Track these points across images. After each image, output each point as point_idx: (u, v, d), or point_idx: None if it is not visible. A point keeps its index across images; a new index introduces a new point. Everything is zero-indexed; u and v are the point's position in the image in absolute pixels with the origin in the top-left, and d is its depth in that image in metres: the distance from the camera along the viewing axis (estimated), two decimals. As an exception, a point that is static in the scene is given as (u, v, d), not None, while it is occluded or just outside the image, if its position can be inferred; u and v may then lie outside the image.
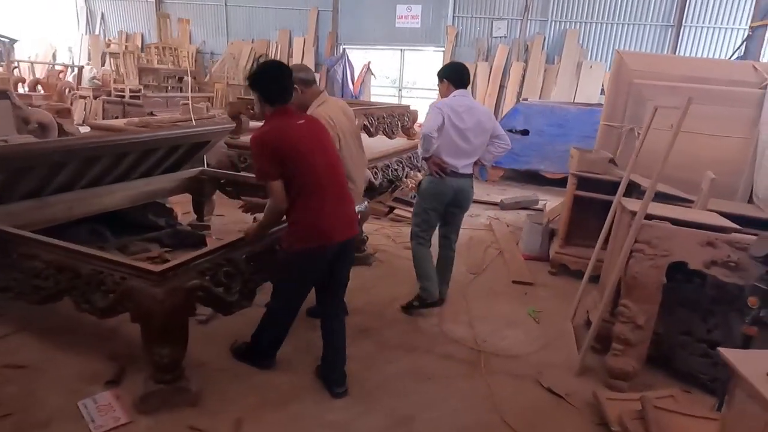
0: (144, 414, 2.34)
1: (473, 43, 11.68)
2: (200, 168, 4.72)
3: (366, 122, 5.89)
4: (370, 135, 6.03)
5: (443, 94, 3.48)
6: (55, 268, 2.57)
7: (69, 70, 12.99)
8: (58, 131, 5.02)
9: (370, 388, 2.67)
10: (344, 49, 12.78)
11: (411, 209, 5.74)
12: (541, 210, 6.25)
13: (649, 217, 2.71)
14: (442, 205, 3.45)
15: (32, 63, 13.22)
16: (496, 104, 11.26)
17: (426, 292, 3.50)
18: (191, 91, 11.64)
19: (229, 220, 5.19)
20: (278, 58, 13.01)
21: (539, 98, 10.61)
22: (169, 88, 11.27)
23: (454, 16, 11.73)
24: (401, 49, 12.56)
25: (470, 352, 3.08)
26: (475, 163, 3.49)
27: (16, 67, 11.18)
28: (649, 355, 2.77)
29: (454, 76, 3.43)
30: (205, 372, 2.67)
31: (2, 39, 16.40)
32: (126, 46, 11.14)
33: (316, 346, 2.76)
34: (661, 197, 3.33)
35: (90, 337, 2.93)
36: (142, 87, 10.59)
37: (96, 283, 2.45)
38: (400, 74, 13.04)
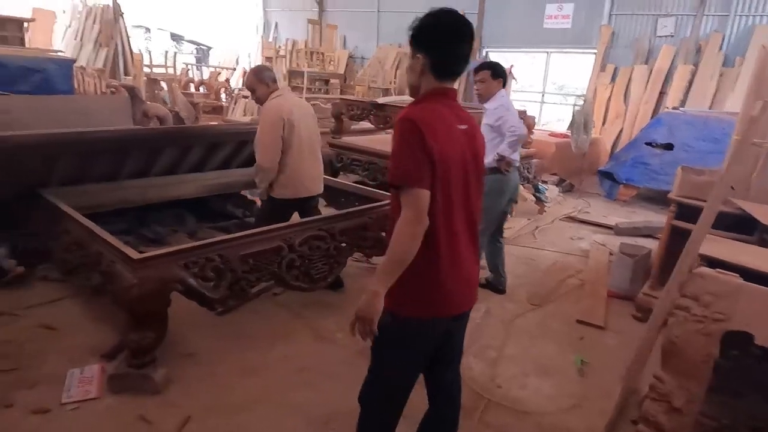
0: (112, 393, 2.44)
1: (631, 44, 10.26)
2: (277, 164, 4.89)
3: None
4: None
5: (491, 91, 3.56)
6: (77, 244, 2.84)
7: (243, 73, 14.79)
8: (176, 123, 5.65)
9: (332, 416, 2.43)
10: (487, 53, 12.29)
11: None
12: (666, 240, 5.18)
13: (710, 261, 1.99)
14: (508, 200, 3.72)
15: (218, 68, 15.29)
16: (653, 113, 9.75)
17: (501, 281, 3.82)
18: (332, 93, 12.33)
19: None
20: (420, 62, 13.07)
21: (710, 107, 8.90)
22: (314, 89, 12.06)
23: (610, 15, 10.45)
24: (547, 52, 11.62)
25: (473, 395, 2.62)
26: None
27: (188, 69, 12.96)
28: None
29: (504, 76, 3.56)
30: (186, 364, 2.71)
31: (201, 47, 19.39)
32: (278, 51, 12.18)
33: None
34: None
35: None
36: (289, 88, 11.52)
37: (96, 263, 2.64)
38: (544, 78, 12.10)
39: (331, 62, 12.85)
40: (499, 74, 3.54)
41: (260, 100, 3.43)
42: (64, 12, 13.12)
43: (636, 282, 3.81)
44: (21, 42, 5.87)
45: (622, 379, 2.76)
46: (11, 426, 2.22)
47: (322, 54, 12.47)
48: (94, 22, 11.96)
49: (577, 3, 10.79)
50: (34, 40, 9.99)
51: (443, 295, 1.65)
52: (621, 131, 9.83)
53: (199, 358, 2.78)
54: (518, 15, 11.61)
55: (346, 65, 14.57)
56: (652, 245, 4.63)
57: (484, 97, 3.58)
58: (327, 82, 12.63)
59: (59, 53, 6.07)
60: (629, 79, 9.98)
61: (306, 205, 3.62)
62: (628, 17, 10.30)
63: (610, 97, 10.02)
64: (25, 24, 5.92)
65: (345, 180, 5.10)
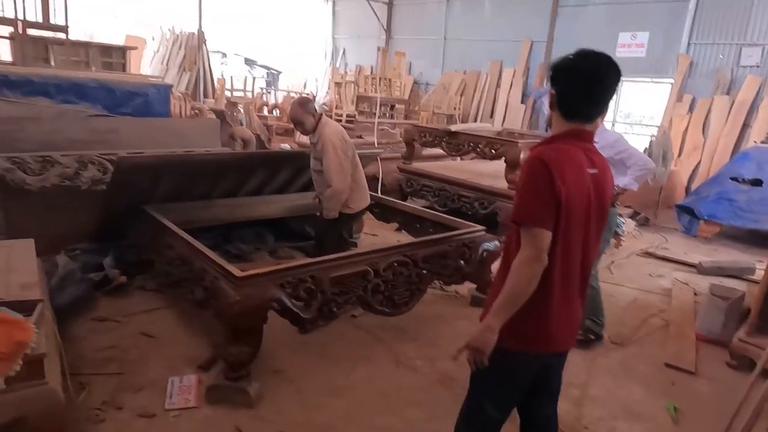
0: (209, 403, 2.57)
1: (711, 74, 9.86)
2: (354, 188, 5.03)
3: (535, 157, 5.47)
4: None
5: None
6: (181, 259, 3.04)
7: (311, 97, 15.37)
8: (257, 146, 5.95)
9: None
10: (555, 81, 12.18)
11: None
12: (755, 281, 4.88)
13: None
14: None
15: (285, 90, 15.96)
16: (734, 146, 9.29)
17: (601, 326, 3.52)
18: (396, 118, 12.55)
19: (380, 239, 5.39)
20: (486, 89, 13.13)
21: (801, 142, 8.37)
22: (380, 114, 12.32)
23: (689, 43, 10.11)
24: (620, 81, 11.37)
25: None
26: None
27: (264, 94, 13.58)
28: None
29: None
30: (275, 380, 2.81)
31: (272, 71, 20.33)
32: (343, 76, 12.57)
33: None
34: None
35: (213, 323, 3.36)
36: (356, 113, 11.84)
37: (199, 278, 2.81)
38: (615, 107, 11.80)
39: (398, 88, 13.12)
40: None
41: (308, 131, 3.59)
42: (153, 39, 14.19)
43: (729, 326, 3.61)
44: (123, 68, 6.40)
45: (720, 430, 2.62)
46: (122, 427, 2.39)
47: (389, 80, 12.77)
48: (179, 48, 12.85)
49: (653, 31, 10.53)
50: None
51: (551, 332, 1.68)
52: (698, 164, 9.40)
53: (287, 375, 2.88)
54: (589, 43, 11.20)
55: (411, 90, 14.84)
56: (741, 287, 4.38)
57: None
58: (392, 107, 12.89)
59: (156, 78, 6.57)
60: (708, 110, 9.57)
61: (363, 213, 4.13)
62: (709, 46, 9.93)
63: (686, 129, 9.64)
64: (128, 51, 6.46)
65: (413, 205, 5.16)
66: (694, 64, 10.11)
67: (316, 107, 3.66)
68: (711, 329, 3.68)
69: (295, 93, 15.67)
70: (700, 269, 5.31)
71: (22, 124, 4.13)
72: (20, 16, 5.14)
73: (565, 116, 1.64)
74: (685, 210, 6.82)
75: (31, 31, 5.41)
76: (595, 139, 3.23)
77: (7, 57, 6.61)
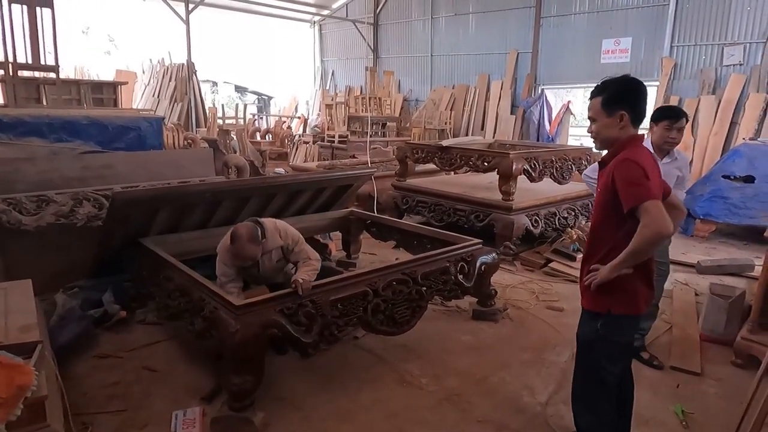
0: (214, 435, 2.55)
1: (696, 75, 10.00)
2: (350, 209, 5.05)
3: (527, 166, 5.52)
4: (532, 180, 5.62)
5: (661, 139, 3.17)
6: (180, 290, 3.04)
7: (302, 120, 15.48)
8: (251, 172, 5.98)
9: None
10: (542, 90, 12.31)
11: (571, 263, 5.16)
12: (755, 278, 4.89)
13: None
14: None
15: (277, 115, 16.09)
16: (724, 144, 9.38)
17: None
18: (388, 136, 12.64)
19: (378, 258, 5.39)
20: (475, 102, 13.27)
21: (789, 137, 8.47)
22: (371, 133, 12.40)
23: (671, 46, 10.27)
24: (593, 96, 11.50)
25: (569, 446, 2.55)
26: None
27: (256, 119, 13.69)
28: None
29: None
30: (280, 407, 2.79)
31: (263, 96, 20.50)
32: (333, 98, 12.69)
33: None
34: None
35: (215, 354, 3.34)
36: (348, 133, 11.92)
37: (199, 309, 2.81)
38: (604, 113, 11.93)
39: (388, 106, 13.24)
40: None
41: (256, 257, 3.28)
42: (143, 72, 14.33)
43: (731, 325, 3.60)
44: (114, 103, 6.48)
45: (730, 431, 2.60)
46: (128, 466, 2.36)
47: (379, 99, 12.90)
48: (170, 79, 12.97)
49: (636, 36, 10.70)
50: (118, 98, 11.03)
51: (644, 296, 2.16)
52: (690, 164, 9.46)
53: (292, 402, 2.86)
54: (573, 52, 11.62)
55: (401, 108, 14.98)
56: (742, 284, 4.39)
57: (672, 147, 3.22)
58: (384, 125, 12.99)
59: (148, 111, 6.63)
60: (696, 111, 9.68)
61: None
62: (692, 48, 10.08)
63: (676, 130, 9.72)
64: (119, 87, 6.54)
65: (409, 222, 5.18)
66: (678, 66, 10.26)
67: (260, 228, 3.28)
68: (714, 329, 3.68)
69: (287, 117, 15.80)
70: (699, 269, 5.32)
71: (17, 165, 4.15)
72: (11, 59, 5.20)
73: (633, 125, 2.12)
74: (680, 210, 6.85)
75: (23, 73, 5.47)
76: (676, 156, 3.21)
77: (-1, 99, 6.67)
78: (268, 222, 3.41)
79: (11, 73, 5.19)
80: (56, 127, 4.76)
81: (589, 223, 5.77)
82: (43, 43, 5.36)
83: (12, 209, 3.76)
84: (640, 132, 2.24)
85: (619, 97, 2.09)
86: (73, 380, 2.94)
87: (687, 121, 3.19)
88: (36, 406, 1.89)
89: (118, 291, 3.81)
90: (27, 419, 1.85)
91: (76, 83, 6.30)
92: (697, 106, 9.69)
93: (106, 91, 6.40)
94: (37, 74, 5.93)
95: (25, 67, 5.38)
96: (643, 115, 2.16)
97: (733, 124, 9.40)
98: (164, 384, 3.02)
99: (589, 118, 2.22)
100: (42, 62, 5.36)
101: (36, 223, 3.82)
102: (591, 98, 2.17)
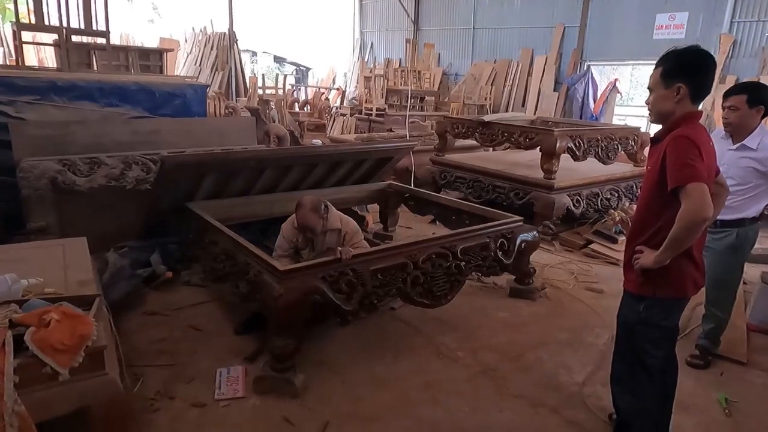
0: (256, 393, 2.65)
1: (757, 53, 9.44)
2: (388, 182, 5.05)
3: (572, 144, 5.37)
4: (575, 158, 5.47)
5: (753, 126, 2.80)
6: (225, 254, 3.13)
7: (339, 92, 15.44)
8: (291, 142, 6.03)
9: (465, 433, 2.45)
10: (588, 66, 11.86)
11: (612, 246, 5.04)
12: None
13: None
14: None
15: (309, 87, 16.10)
16: (782, 128, 8.87)
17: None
18: (426, 110, 12.49)
19: (415, 232, 5.40)
20: (517, 78, 12.92)
21: None
22: (410, 107, 12.27)
23: (732, 22, 9.69)
24: (656, 66, 10.99)
25: (604, 426, 2.54)
26: None
27: (295, 90, 13.72)
28: None
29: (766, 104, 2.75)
30: (318, 371, 2.87)
31: (301, 67, 20.50)
32: (372, 70, 12.57)
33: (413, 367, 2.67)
34: None
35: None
36: (386, 106, 11.83)
37: (244, 272, 2.89)
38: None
39: (427, 80, 13.04)
40: (760, 101, 2.72)
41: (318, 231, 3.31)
42: (186, 40, 14.50)
43: (782, 315, 3.47)
44: (161, 70, 6.59)
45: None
46: (176, 416, 2.48)
47: (418, 72, 12.71)
48: (212, 48, 13.10)
49: (693, 11, 10.13)
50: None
51: (692, 278, 2.08)
52: (744, 148, 9.02)
53: (331, 367, 2.93)
54: (624, 26, 11.11)
55: (440, 82, 14.72)
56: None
57: (736, 130, 2.85)
58: (422, 99, 12.83)
59: (192, 78, 6.73)
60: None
61: None
62: (753, 24, 9.49)
63: (731, 111, 9.26)
64: (165, 54, 6.64)
65: (447, 197, 5.13)
66: (738, 43, 9.69)
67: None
68: (764, 319, 3.55)
69: (325, 89, 15.77)
70: (749, 257, 5.11)
71: (70, 128, 4.30)
72: (64, 23, 5.34)
73: (694, 101, 2.01)
74: (730, 196, 6.56)
75: (74, 38, 5.61)
76: (752, 146, 2.81)
77: (53, 63, 6.89)
78: (334, 209, 3.45)
79: (65, 38, 5.33)
80: (107, 92, 4.88)
81: (634, 205, 5.60)
82: (95, 8, 5.47)
83: (67, 170, 3.91)
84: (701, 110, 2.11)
85: (678, 68, 1.98)
86: (124, 335, 3.08)
87: (750, 98, 2.71)
88: (95, 355, 1.99)
89: (165, 253, 3.95)
90: (88, 367, 1.95)
91: (125, 50, 6.43)
92: (756, 87, 9.16)
93: (152, 58, 6.51)
94: (87, 40, 6.08)
95: (78, 32, 5.51)
96: (704, 91, 2.02)
97: (794, 106, 8.87)
98: (209, 343, 3.13)
99: (648, 88, 2.12)
100: (93, 28, 5.48)
101: (89, 185, 3.97)
102: (654, 69, 2.07)
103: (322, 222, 3.28)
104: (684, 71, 1.97)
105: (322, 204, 3.29)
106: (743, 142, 2.83)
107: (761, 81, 9.24)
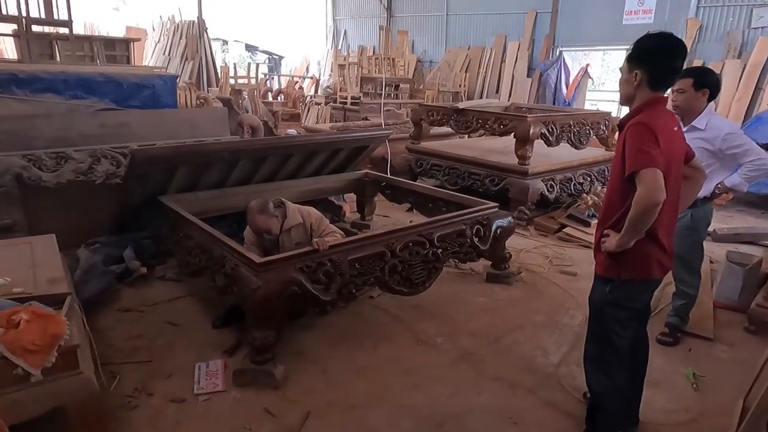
0: (236, 386, 2.64)
1: (722, 37, 9.66)
2: (364, 171, 5.04)
3: (545, 130, 5.44)
4: (549, 144, 5.54)
5: (699, 108, 2.89)
6: (201, 248, 3.09)
7: (313, 81, 15.25)
8: (265, 132, 5.95)
9: (444, 418, 2.49)
10: (560, 52, 11.98)
11: (585, 229, 5.15)
12: (772, 247, 4.87)
13: None
14: None
15: (286, 76, 15.88)
16: (746, 110, 9.14)
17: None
18: (401, 98, 12.44)
19: (392, 221, 5.41)
20: (491, 64, 12.97)
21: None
22: (384, 95, 12.21)
23: (698, 7, 9.89)
24: (626, 49, 11.14)
25: (579, 405, 2.61)
26: None
27: (268, 79, 13.53)
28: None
29: (712, 87, 2.86)
30: (298, 361, 2.87)
31: (273, 56, 20.16)
32: (346, 58, 12.46)
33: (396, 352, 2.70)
34: None
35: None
36: (361, 95, 11.75)
37: (220, 266, 2.86)
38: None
39: (402, 67, 12.98)
40: (705, 84, 2.83)
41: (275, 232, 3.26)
42: (153, 29, 14.11)
43: (747, 293, 3.61)
44: (127, 60, 6.41)
45: (742, 394, 2.65)
46: (156, 412, 2.46)
47: (393, 59, 12.64)
48: (181, 37, 12.78)
49: (661, -4, 10.31)
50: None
51: (656, 261, 2.11)
52: (711, 131, 9.26)
53: (311, 357, 2.93)
54: (595, 12, 11.23)
55: (415, 69, 14.68)
56: (758, 253, 4.36)
57: (684, 112, 2.91)
58: (397, 87, 12.78)
59: (161, 69, 6.56)
60: (720, 75, 9.40)
61: None
62: (719, 8, 9.71)
63: (698, 95, 9.48)
64: (132, 43, 6.46)
65: (423, 185, 5.15)
66: (704, 27, 9.91)
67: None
68: (729, 296, 3.68)
69: (298, 77, 15.56)
70: (714, 236, 5.28)
71: (34, 122, 4.16)
72: (24, 13, 5.14)
73: (651, 88, 2.02)
74: (698, 178, 6.75)
75: (35, 28, 5.41)
76: (700, 126, 2.88)
77: (13, 54, 6.63)
78: (291, 204, 3.38)
79: (25, 28, 5.13)
80: (72, 84, 4.74)
81: (605, 189, 5.72)
82: (56, -3, 5.29)
83: (32, 165, 3.78)
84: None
85: (636, 54, 2.01)
86: (98, 332, 3.02)
87: (696, 82, 2.81)
88: (69, 355, 1.96)
89: (138, 248, 3.87)
90: (61, 366, 1.92)
91: (89, 39, 6.23)
92: (721, 70, 9.39)
93: (119, 48, 6.33)
94: (49, 30, 5.86)
95: (39, 21, 5.32)
96: (664, 77, 2.03)
97: (758, 89, 9.13)
98: (186, 338, 3.10)
99: (620, 70, 2.15)
100: (55, 17, 5.29)
101: (56, 180, 3.85)
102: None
103: (276, 221, 3.21)
104: (640, 57, 2.00)
105: (269, 204, 3.19)
106: (692, 123, 2.92)
107: (726, 64, 9.45)
